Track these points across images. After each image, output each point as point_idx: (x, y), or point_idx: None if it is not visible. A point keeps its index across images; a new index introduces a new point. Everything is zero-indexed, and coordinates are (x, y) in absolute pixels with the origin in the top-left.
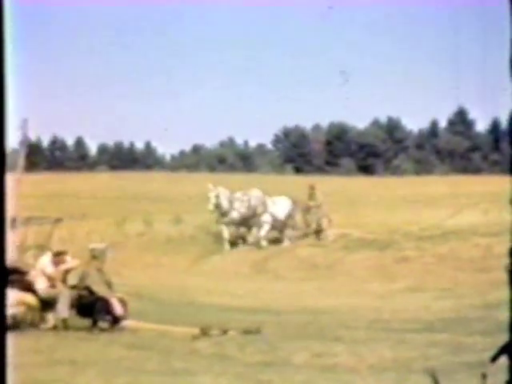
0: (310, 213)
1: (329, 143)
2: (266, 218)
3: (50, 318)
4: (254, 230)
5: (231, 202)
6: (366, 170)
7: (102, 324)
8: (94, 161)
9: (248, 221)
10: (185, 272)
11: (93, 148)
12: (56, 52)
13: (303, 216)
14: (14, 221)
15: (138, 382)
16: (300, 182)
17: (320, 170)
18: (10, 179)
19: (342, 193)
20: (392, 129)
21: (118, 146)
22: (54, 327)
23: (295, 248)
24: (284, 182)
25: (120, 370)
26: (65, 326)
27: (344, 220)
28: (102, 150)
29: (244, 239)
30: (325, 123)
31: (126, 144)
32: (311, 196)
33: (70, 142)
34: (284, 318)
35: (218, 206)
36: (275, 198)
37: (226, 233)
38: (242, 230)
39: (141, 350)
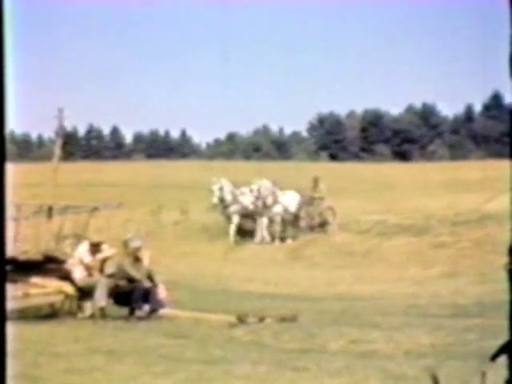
0: (313, 205)
1: (364, 130)
2: (278, 209)
3: (88, 307)
4: (264, 223)
5: (235, 196)
6: (401, 156)
7: (140, 312)
8: (130, 149)
9: (256, 213)
10: (221, 260)
11: (128, 137)
12: (90, 42)
13: (306, 209)
14: (50, 210)
15: (175, 370)
16: (335, 169)
17: (355, 156)
18: (47, 168)
19: (377, 179)
20: (427, 114)
21: (154, 135)
22: (92, 316)
23: (331, 235)
24: (319, 169)
25: (157, 358)
26: (102, 314)
27: (380, 206)
28: (138, 138)
29: (251, 232)
30: (359, 110)
31: (162, 133)
32: (314, 188)
33: (105, 131)
34: (320, 305)
35: (221, 199)
36: (285, 191)
37: (233, 226)
38: (248, 223)
39: (178, 338)
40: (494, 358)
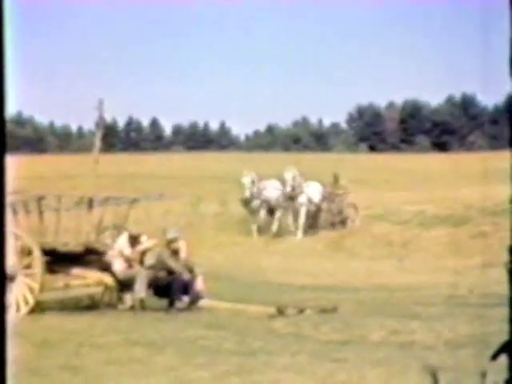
0: (335, 201)
1: (403, 121)
2: (303, 200)
3: (128, 299)
4: (290, 217)
5: (259, 189)
6: (440, 147)
7: (179, 304)
8: (169, 141)
9: (283, 205)
10: (260, 251)
11: (168, 129)
12: (130, 35)
13: (328, 205)
14: (91, 201)
15: (215, 361)
16: (374, 161)
17: (394, 147)
18: (88, 160)
19: (417, 170)
20: (466, 105)
21: (193, 127)
22: (132, 307)
23: (371, 226)
24: (358, 160)
25: (197, 349)
26: (142, 306)
27: (419, 197)
28: (177, 130)
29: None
30: (399, 101)
31: (201, 124)
32: (335, 185)
33: (145, 123)
34: (360, 296)
35: (252, 193)
36: (308, 182)
37: (255, 220)
38: (271, 216)
39: (217, 329)
40: (494, 357)
